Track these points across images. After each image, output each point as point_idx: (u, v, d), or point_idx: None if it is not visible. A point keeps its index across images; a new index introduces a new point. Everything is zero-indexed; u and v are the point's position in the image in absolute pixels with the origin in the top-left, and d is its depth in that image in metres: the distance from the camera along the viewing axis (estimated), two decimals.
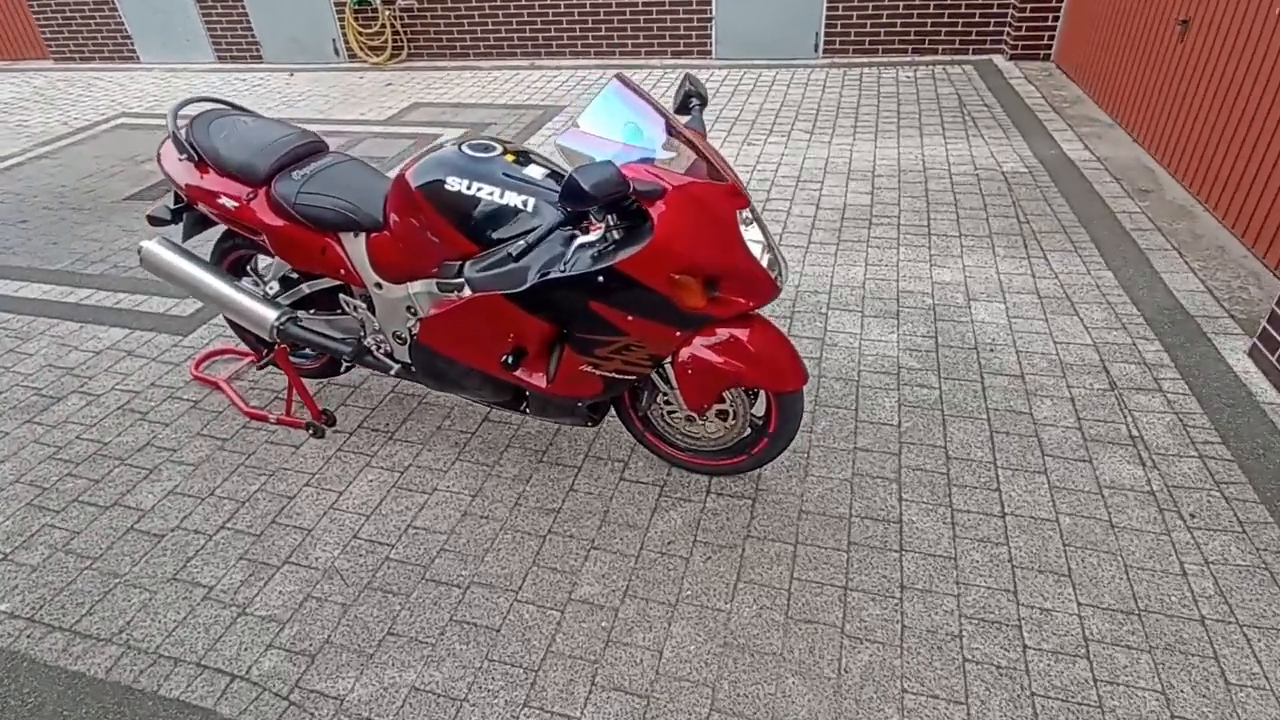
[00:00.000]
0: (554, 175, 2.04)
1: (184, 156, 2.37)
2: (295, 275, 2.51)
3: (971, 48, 6.66)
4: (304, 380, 2.78)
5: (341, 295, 2.42)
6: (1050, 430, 2.52)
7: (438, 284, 2.11)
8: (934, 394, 2.72)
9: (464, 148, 2.05)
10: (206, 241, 2.77)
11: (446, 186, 1.98)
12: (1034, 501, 2.25)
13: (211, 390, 3.00)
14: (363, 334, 2.48)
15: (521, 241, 1.74)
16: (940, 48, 6.71)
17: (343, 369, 2.81)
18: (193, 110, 2.54)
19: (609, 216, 1.83)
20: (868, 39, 6.80)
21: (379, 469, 2.56)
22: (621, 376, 2.07)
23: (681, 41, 7.25)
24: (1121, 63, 4.88)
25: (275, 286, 2.47)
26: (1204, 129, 3.82)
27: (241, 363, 3.11)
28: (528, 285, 1.91)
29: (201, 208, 2.43)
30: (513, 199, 1.96)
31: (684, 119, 2.06)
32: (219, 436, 2.75)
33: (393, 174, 2.29)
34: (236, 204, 2.31)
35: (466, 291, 2.04)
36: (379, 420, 2.79)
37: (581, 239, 1.80)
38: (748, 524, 2.26)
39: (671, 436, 2.36)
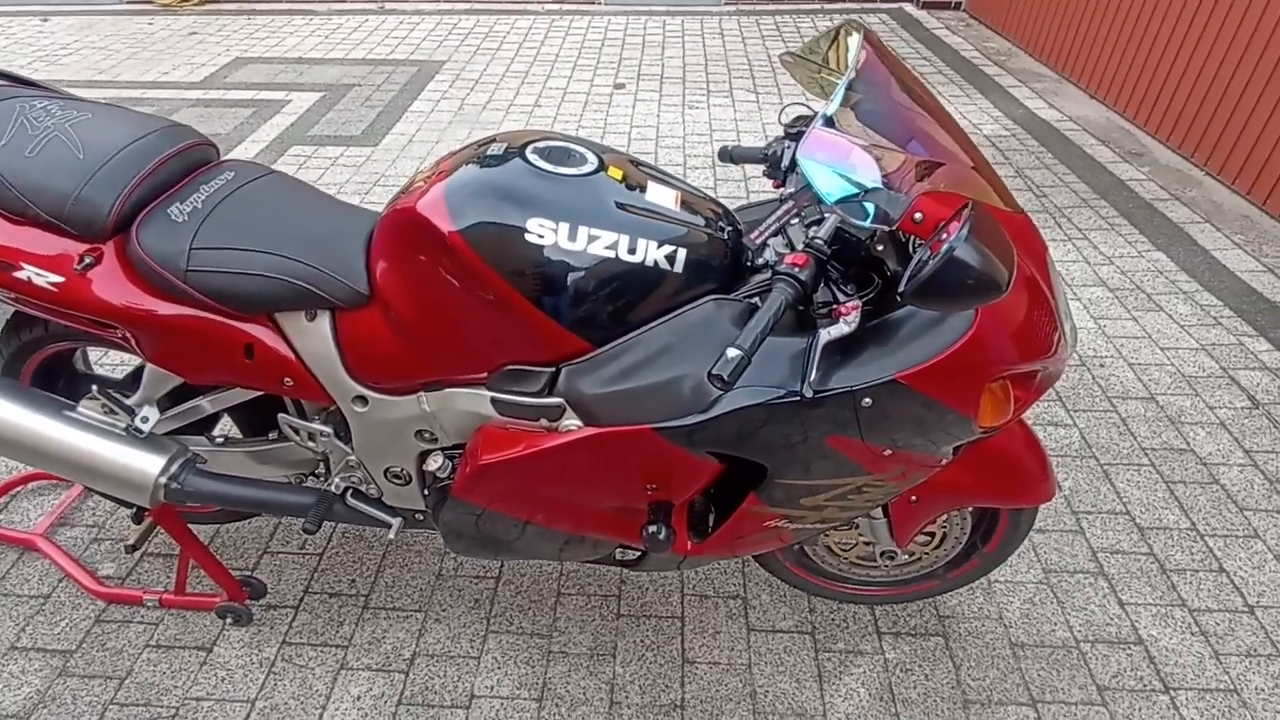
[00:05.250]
0: (692, 204, 1.18)
1: None
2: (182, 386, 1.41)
3: None
4: (199, 535, 1.71)
5: (281, 415, 1.38)
6: (1226, 472, 2.06)
7: (497, 399, 1.19)
8: (1074, 434, 2.18)
9: (530, 155, 1.12)
10: None
11: (528, 236, 1.06)
12: (1274, 581, 1.77)
13: (20, 553, 1.82)
14: (323, 474, 1.47)
15: (751, 332, 0.90)
16: None
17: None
18: None
19: (842, 283, 1.05)
20: None
21: (365, 670, 1.59)
22: (822, 526, 1.29)
23: None
24: (1066, 14, 4.60)
25: (149, 414, 1.35)
26: (1193, 86, 3.56)
27: (68, 494, 1.93)
28: (724, 411, 1.05)
29: None
30: (651, 254, 1.08)
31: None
32: (54, 649, 1.62)
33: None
34: (59, 279, 1.19)
35: (571, 421, 1.14)
36: (336, 575, 1.78)
37: (830, 331, 0.98)
38: (956, 680, 1.58)
39: (832, 569, 1.61)
